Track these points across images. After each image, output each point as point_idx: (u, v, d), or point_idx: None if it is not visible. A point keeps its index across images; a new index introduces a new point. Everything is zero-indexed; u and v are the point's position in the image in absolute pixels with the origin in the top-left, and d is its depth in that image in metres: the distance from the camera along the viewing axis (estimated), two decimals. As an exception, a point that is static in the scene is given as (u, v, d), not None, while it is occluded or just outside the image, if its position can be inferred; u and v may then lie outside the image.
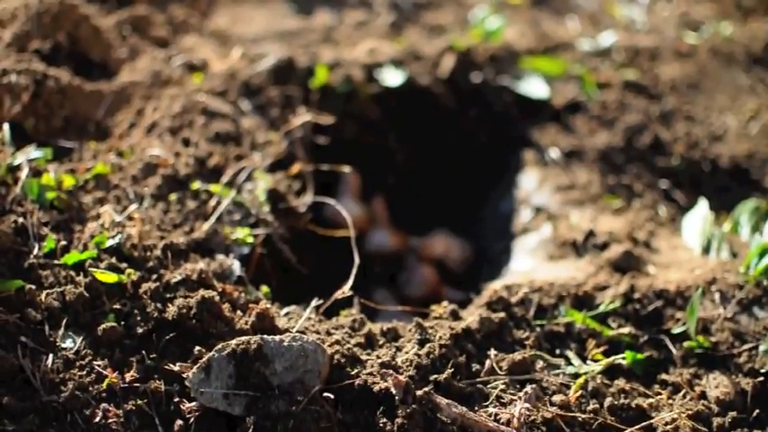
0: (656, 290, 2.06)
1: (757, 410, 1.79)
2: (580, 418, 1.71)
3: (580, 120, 2.99)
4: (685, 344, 1.93)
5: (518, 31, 3.61)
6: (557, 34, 3.60)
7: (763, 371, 1.86)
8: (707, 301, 2.04)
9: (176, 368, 1.64)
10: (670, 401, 1.79)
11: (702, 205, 2.45)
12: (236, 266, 1.97)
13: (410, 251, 2.94)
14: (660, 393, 1.81)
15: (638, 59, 3.42)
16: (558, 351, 1.91)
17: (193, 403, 1.59)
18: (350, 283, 1.95)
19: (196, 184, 2.22)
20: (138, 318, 1.74)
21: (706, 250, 2.30)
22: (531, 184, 2.78)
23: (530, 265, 2.41)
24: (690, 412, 1.75)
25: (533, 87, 3.12)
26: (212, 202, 2.19)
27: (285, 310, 1.91)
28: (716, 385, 1.83)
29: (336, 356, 1.69)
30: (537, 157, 2.87)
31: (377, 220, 2.99)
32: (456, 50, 3.20)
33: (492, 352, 1.81)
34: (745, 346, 1.91)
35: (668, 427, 1.70)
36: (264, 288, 1.97)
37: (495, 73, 3.18)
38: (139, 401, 1.59)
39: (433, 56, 3.22)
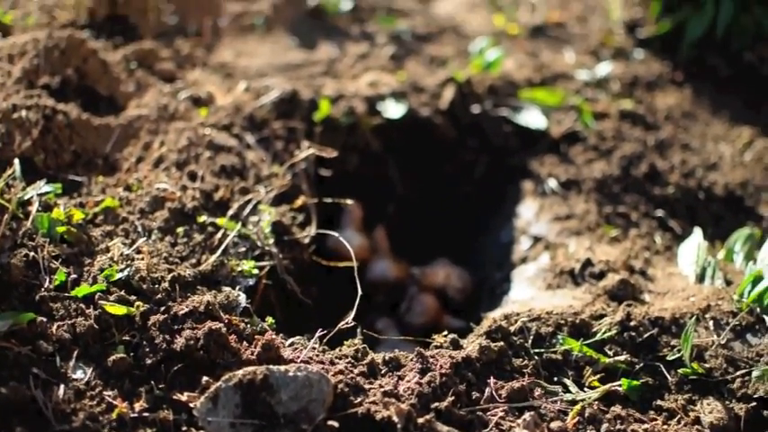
0: (652, 317, 2.09)
1: (750, 435, 1.84)
2: (578, 445, 1.76)
3: (577, 150, 3.04)
4: (680, 370, 1.96)
5: (517, 62, 3.66)
6: (555, 64, 3.65)
7: (755, 396, 1.89)
8: (701, 328, 2.08)
9: (184, 398, 1.67)
10: (665, 427, 1.81)
11: (697, 234, 2.48)
12: (242, 298, 2.00)
13: (411, 280, 2.97)
14: (655, 419, 1.84)
15: (635, 89, 3.48)
16: (555, 378, 1.94)
17: (201, 432, 1.63)
18: (353, 313, 1.99)
19: (202, 218, 2.26)
20: (147, 349, 1.78)
21: (701, 278, 2.33)
22: (530, 214, 2.82)
23: (528, 294, 2.45)
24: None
25: (531, 118, 3.17)
26: (218, 235, 2.22)
27: (290, 340, 1.93)
28: (710, 411, 1.85)
29: (340, 386, 1.72)
30: (535, 186, 2.92)
31: (379, 250, 3.02)
32: (456, 82, 3.25)
33: (491, 380, 1.85)
34: (739, 373, 1.93)
35: (663, 452, 1.75)
36: (269, 319, 2.00)
37: (493, 104, 3.23)
38: (148, 431, 1.62)
39: (433, 88, 3.27)
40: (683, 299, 2.20)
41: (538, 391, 1.87)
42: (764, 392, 1.88)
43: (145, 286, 1.93)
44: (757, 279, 2.15)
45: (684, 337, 1.96)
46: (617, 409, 1.85)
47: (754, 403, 1.88)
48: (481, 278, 2.95)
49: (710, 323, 2.09)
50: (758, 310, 2.10)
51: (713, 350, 2.00)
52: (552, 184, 2.87)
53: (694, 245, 2.43)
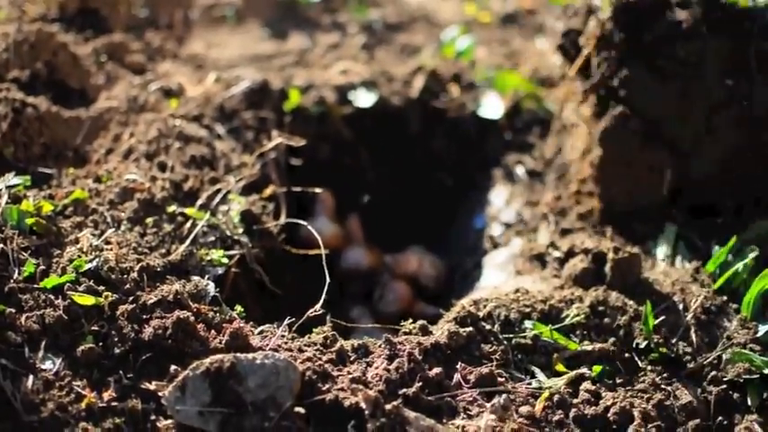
0: (622, 302, 2.11)
1: (720, 417, 1.84)
2: (546, 429, 1.77)
3: (545, 137, 3.05)
4: (650, 356, 1.98)
5: (488, 50, 3.67)
6: (527, 52, 3.67)
7: (725, 379, 1.90)
8: (672, 312, 2.10)
9: (153, 387, 1.68)
10: (634, 410, 1.83)
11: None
12: (211, 287, 2.00)
13: (385, 268, 2.98)
14: (624, 403, 1.85)
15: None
16: (524, 364, 1.95)
17: (170, 421, 1.63)
18: (321, 301, 1.99)
19: (172, 208, 2.26)
20: (116, 339, 1.78)
21: (672, 262, 2.35)
22: (500, 201, 2.83)
23: (499, 279, 2.46)
24: (656, 423, 1.80)
25: (492, 107, 3.18)
26: (188, 225, 2.23)
27: (259, 328, 1.94)
28: (680, 394, 1.87)
29: (308, 373, 1.73)
30: (503, 174, 2.93)
31: (352, 238, 3.04)
32: (426, 71, 3.26)
33: (460, 366, 1.87)
34: (709, 356, 1.95)
35: (634, 435, 1.77)
36: (238, 308, 2.01)
37: (461, 92, 3.24)
38: (117, 420, 1.62)
39: (403, 77, 3.28)
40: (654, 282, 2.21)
41: (506, 377, 1.88)
42: (734, 375, 1.90)
43: (114, 276, 1.93)
44: (725, 262, 2.17)
45: (644, 321, 1.98)
46: (586, 393, 1.86)
47: (724, 386, 1.89)
48: (454, 265, 2.96)
49: (680, 306, 2.10)
50: (725, 294, 2.12)
51: (683, 334, 2.01)
52: (519, 171, 2.88)
53: (669, 230, 2.43)
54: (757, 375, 1.88)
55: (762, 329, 2.00)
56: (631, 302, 2.10)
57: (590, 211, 2.59)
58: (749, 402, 1.86)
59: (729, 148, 2.41)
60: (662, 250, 2.38)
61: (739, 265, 2.14)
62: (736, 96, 2.36)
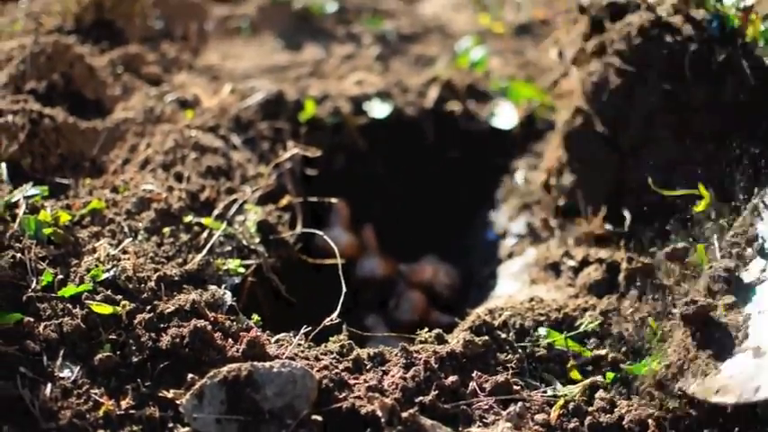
0: (634, 310, 2.11)
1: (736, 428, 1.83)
2: (562, 436, 1.78)
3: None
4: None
5: (502, 60, 3.68)
6: (540, 62, 3.67)
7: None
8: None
9: (170, 395, 1.69)
10: (650, 420, 1.82)
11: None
12: (228, 296, 2.01)
13: (399, 277, 2.99)
14: (639, 411, 1.84)
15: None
16: (539, 373, 1.96)
17: (187, 429, 1.63)
18: (338, 310, 1.99)
19: (188, 218, 2.28)
20: (133, 347, 1.79)
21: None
22: (513, 211, 2.84)
23: (514, 288, 2.47)
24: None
25: (505, 117, 3.19)
26: (204, 235, 2.24)
27: (276, 337, 1.95)
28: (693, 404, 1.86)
29: (325, 381, 1.74)
30: (516, 183, 2.94)
31: (367, 247, 3.04)
32: (440, 81, 3.27)
33: (476, 374, 1.87)
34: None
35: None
36: (255, 317, 2.02)
37: (475, 102, 3.25)
38: (135, 428, 1.63)
39: (418, 87, 3.29)
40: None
41: (522, 385, 1.89)
42: None
43: (131, 286, 1.95)
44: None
45: (652, 332, 1.98)
46: (600, 401, 1.86)
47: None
48: (468, 274, 2.97)
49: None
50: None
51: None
52: (531, 180, 2.89)
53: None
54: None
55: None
56: (646, 309, 2.10)
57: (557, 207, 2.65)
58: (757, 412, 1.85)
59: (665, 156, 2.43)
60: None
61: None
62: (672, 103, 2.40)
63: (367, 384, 1.78)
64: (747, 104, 2.33)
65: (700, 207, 2.14)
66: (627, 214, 2.45)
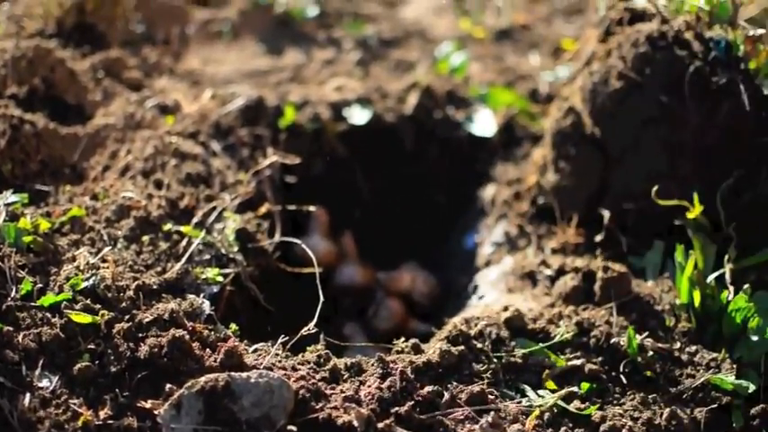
0: (609, 320, 2.14)
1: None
2: (536, 446, 1.80)
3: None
4: (637, 376, 2.00)
5: (482, 66, 3.70)
6: (520, 67, 3.70)
7: (709, 401, 1.93)
8: (660, 330, 2.12)
9: (148, 405, 1.70)
10: (624, 430, 1.84)
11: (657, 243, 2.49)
12: (206, 305, 2.02)
13: (378, 285, 3.01)
14: (613, 421, 1.87)
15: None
16: (515, 383, 1.98)
17: (165, 439, 1.66)
18: (315, 320, 2.01)
19: (168, 226, 2.29)
20: (112, 357, 1.80)
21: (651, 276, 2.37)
22: (492, 219, 2.85)
23: (491, 297, 2.48)
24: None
25: (483, 124, 3.20)
26: (183, 243, 2.25)
27: (254, 346, 1.96)
28: (668, 414, 1.88)
29: (301, 391, 1.75)
30: (495, 191, 2.96)
31: (346, 255, 3.06)
32: (420, 87, 3.28)
33: (451, 384, 1.89)
34: (700, 376, 1.96)
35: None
36: (233, 326, 2.03)
37: (454, 109, 3.27)
38: (113, 438, 1.65)
39: (398, 93, 3.30)
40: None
41: (497, 395, 1.90)
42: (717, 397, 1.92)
43: (110, 295, 1.96)
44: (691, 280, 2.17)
45: (629, 344, 2.00)
46: (575, 411, 1.88)
47: (714, 405, 1.90)
48: (447, 282, 2.98)
49: (667, 324, 2.13)
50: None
51: (668, 353, 2.04)
52: (511, 188, 2.91)
53: (655, 249, 2.44)
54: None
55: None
56: (620, 320, 2.12)
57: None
58: (733, 423, 1.87)
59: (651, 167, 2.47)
60: (650, 267, 2.41)
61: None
62: (665, 116, 2.42)
63: (344, 395, 1.80)
64: (739, 129, 2.36)
65: (691, 215, 2.19)
66: (605, 218, 2.48)
